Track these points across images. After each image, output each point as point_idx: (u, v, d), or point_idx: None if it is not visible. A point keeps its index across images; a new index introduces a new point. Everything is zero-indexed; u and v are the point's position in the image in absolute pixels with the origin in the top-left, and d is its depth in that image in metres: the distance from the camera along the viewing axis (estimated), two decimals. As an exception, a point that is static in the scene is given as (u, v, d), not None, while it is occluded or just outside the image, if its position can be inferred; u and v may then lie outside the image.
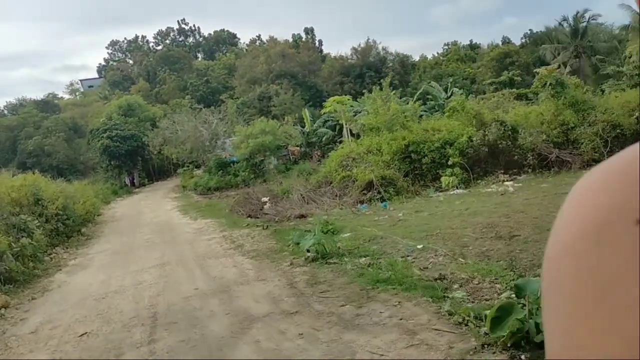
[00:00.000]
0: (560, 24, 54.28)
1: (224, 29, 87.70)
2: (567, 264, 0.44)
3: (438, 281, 6.82)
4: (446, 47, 75.16)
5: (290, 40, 61.76)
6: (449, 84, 48.15)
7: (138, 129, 44.55)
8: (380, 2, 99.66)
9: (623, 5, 48.48)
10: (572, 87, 19.32)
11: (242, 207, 19.00)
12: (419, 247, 9.24)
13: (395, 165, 18.00)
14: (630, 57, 44.18)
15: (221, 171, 33.81)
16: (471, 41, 75.59)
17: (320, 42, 64.07)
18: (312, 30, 63.30)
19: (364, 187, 17.15)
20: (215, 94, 58.77)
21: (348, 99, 31.39)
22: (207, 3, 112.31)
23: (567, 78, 20.08)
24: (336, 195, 18.29)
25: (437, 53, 74.47)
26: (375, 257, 8.89)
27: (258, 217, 16.99)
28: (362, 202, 16.72)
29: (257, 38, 78.24)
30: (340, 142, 41.16)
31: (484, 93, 44.49)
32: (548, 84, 18.99)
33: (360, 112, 33.67)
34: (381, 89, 23.54)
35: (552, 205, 11.40)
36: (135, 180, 47.02)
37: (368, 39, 60.80)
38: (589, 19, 53.01)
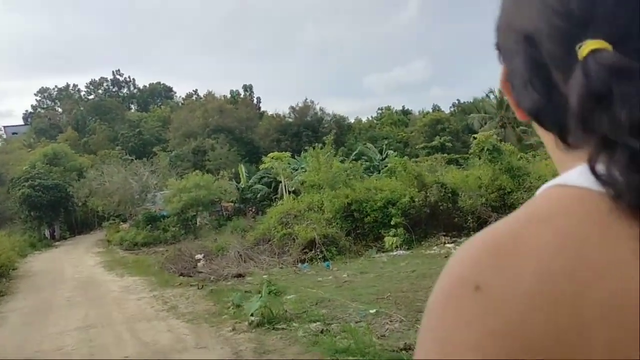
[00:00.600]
0: (487, 95, 56.95)
1: (159, 82, 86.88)
2: (425, 318, 0.53)
3: (404, 352, 6.26)
4: (380, 111, 77.23)
5: (228, 95, 61.63)
6: (384, 146, 49.06)
7: (63, 178, 42.38)
8: (318, 65, 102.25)
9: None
10: (507, 153, 19.79)
11: (173, 264, 17.90)
12: (371, 311, 8.68)
13: (337, 223, 17.59)
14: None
15: (150, 225, 32.33)
16: (403, 107, 78.10)
17: (259, 99, 64.45)
18: (250, 87, 63.64)
19: (305, 245, 16.56)
20: (147, 146, 57.25)
21: (287, 156, 31.10)
22: (143, 55, 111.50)
23: (502, 145, 20.57)
24: (275, 254, 17.58)
25: (371, 117, 76.32)
26: (326, 322, 8.23)
27: (191, 276, 15.98)
28: (303, 261, 16.09)
29: (193, 92, 77.77)
30: (276, 199, 40.68)
31: (417, 156, 45.56)
32: (485, 149, 19.34)
33: (297, 170, 33.43)
34: (322, 147, 23.31)
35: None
36: (56, 233, 44.28)
37: (306, 98, 61.46)
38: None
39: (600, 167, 0.50)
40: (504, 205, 18.18)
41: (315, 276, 13.71)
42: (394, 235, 16.70)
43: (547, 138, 0.64)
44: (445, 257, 14.48)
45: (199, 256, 18.21)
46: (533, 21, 0.60)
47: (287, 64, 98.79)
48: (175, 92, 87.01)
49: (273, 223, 19.33)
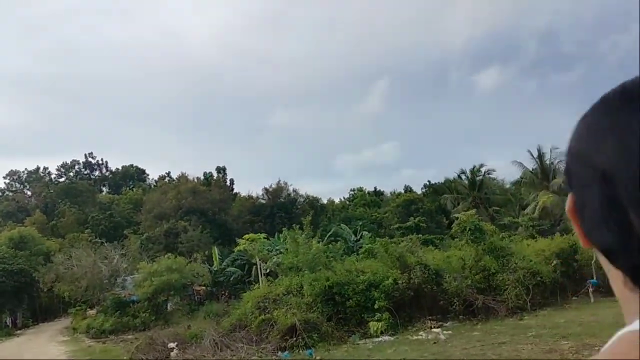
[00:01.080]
0: (459, 176, 57.95)
1: (132, 165, 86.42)
2: None
3: None
4: (352, 192, 77.59)
5: (202, 177, 61.39)
6: (359, 227, 48.86)
7: (29, 263, 40.81)
8: (288, 148, 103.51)
9: (515, 162, 52.76)
10: (489, 233, 19.62)
11: (144, 354, 16.86)
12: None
13: (317, 308, 16.88)
14: (524, 210, 47.30)
15: (119, 311, 30.89)
16: (375, 188, 78.77)
17: (232, 180, 64.21)
18: (224, 169, 63.57)
19: (286, 331, 15.77)
20: (118, 228, 55.99)
21: (262, 237, 30.51)
22: (116, 139, 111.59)
23: (484, 224, 20.46)
24: (253, 341, 16.70)
25: (344, 198, 76.61)
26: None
27: (165, 367, 15.02)
28: (283, 349, 15.26)
29: (166, 175, 77.32)
30: (250, 282, 39.66)
31: (392, 237, 45.32)
32: (467, 229, 19.15)
33: (272, 251, 32.73)
34: (299, 228, 22.89)
35: (496, 355, 10.68)
36: (18, 321, 42.10)
37: (279, 180, 61.54)
38: (484, 173, 56.88)
39: None
40: (489, 287, 17.78)
41: (298, 365, 12.93)
42: (379, 320, 16.05)
43: (613, 273, 0.63)
44: (434, 343, 13.88)
45: (171, 345, 17.20)
46: (612, 159, 0.59)
47: (258, 147, 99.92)
48: (148, 175, 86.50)
49: (250, 308, 18.52)
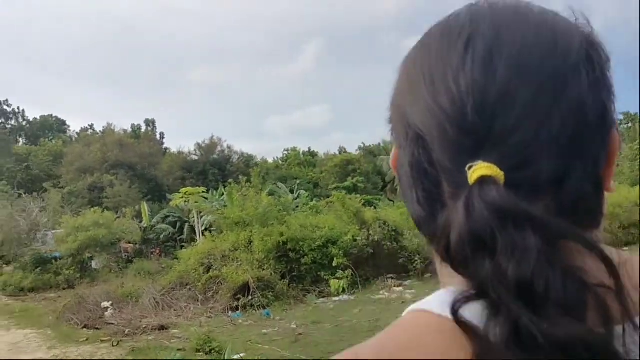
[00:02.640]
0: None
1: (51, 115, 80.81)
2: None
3: None
4: (286, 152, 76.20)
5: (129, 130, 57.88)
6: (296, 186, 47.78)
7: None
8: (215, 105, 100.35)
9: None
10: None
11: (74, 313, 14.96)
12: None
13: (270, 265, 15.54)
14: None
15: (39, 268, 28.28)
16: (309, 148, 77.64)
17: (162, 134, 61.01)
18: (153, 121, 60.25)
19: (236, 290, 14.37)
20: (36, 182, 52.07)
21: (201, 191, 28.66)
22: (33, 88, 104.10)
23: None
24: (198, 300, 15.22)
25: (277, 157, 75.08)
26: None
27: (99, 328, 13.28)
28: (235, 309, 13.88)
29: (89, 127, 72.69)
30: (182, 240, 37.83)
31: (328, 197, 44.63)
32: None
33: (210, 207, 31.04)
34: (249, 181, 21.32)
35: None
36: None
37: (212, 136, 59.07)
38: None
39: (469, 313, 0.47)
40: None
41: (256, 327, 11.60)
42: (340, 278, 14.92)
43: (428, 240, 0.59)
44: (402, 302, 12.88)
45: (106, 304, 15.39)
46: (424, 119, 0.53)
47: (185, 103, 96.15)
48: (69, 126, 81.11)
49: (192, 265, 16.96)
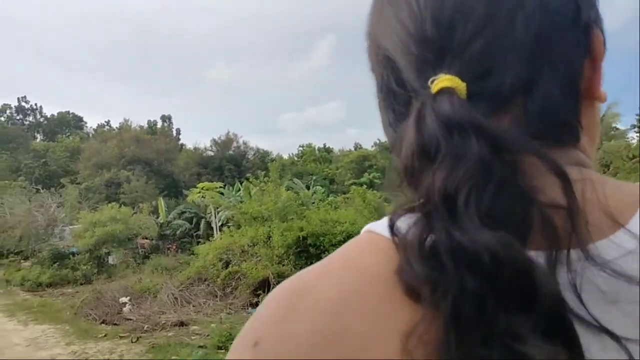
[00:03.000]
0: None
1: (69, 111, 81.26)
2: None
3: None
4: (301, 148, 75.97)
5: (145, 126, 57.94)
6: (312, 182, 47.49)
7: (-44, 211, 37.25)
8: (230, 102, 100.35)
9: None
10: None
11: (92, 309, 14.79)
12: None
13: (290, 260, 15.22)
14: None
15: (57, 263, 28.28)
16: (324, 144, 77.39)
17: (178, 130, 61.09)
18: (169, 117, 60.30)
19: (256, 286, 14.08)
20: (54, 177, 52.29)
21: (219, 186, 28.43)
22: (51, 85, 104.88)
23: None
24: (217, 296, 14.96)
25: (292, 154, 74.84)
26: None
27: (117, 324, 13.05)
28: (254, 305, 13.58)
29: (105, 123, 73.03)
30: (198, 236, 37.69)
31: (344, 193, 44.31)
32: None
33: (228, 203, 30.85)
34: (267, 176, 21.02)
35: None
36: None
37: (228, 131, 58.94)
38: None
39: (403, 224, 0.47)
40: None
41: (278, 323, 11.28)
42: (363, 274, 14.55)
43: None
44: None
45: (124, 299, 15.19)
46: (391, 41, 0.54)
47: (201, 100, 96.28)
48: (85, 123, 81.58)
49: (210, 260, 16.72)
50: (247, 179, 36.94)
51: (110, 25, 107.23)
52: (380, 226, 0.53)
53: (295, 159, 70.64)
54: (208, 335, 10.18)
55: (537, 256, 0.42)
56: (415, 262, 0.43)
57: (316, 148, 74.26)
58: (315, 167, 61.71)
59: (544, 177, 0.43)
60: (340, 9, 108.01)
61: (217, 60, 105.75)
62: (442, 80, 0.47)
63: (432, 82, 0.47)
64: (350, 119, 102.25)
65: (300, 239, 15.51)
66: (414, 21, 0.50)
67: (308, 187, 45.01)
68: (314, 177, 51.83)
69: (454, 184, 0.42)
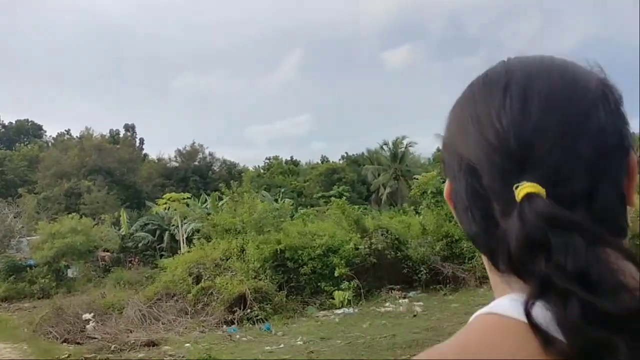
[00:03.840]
0: (381, 147, 57.04)
1: (27, 119, 78.56)
2: None
3: None
4: (267, 160, 75.34)
5: (108, 135, 56.20)
6: (280, 194, 46.85)
7: None
8: (197, 113, 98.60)
9: (438, 135, 52.42)
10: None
11: (52, 326, 13.75)
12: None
13: (267, 275, 14.49)
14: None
15: (13, 276, 26.85)
16: (292, 157, 76.90)
17: (142, 140, 59.41)
18: (132, 127, 58.65)
19: (232, 302, 13.30)
20: (11, 187, 50.14)
21: (186, 197, 27.45)
22: (8, 91, 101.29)
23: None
24: (187, 313, 14.11)
25: (258, 166, 74.00)
26: None
27: (81, 343, 12.14)
28: (229, 323, 12.82)
29: (65, 132, 70.68)
30: (161, 248, 36.48)
31: (312, 206, 43.72)
32: (429, 192, 17.39)
33: (187, 217, 29.81)
34: (241, 185, 20.27)
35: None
36: None
37: (194, 142, 57.68)
38: (406, 145, 56.44)
39: (538, 311, 0.54)
40: (452, 255, 16.16)
41: (257, 343, 10.53)
42: (345, 289, 13.88)
43: (484, 258, 0.68)
44: (414, 316, 11.95)
45: (87, 316, 14.19)
46: (474, 152, 0.64)
47: (166, 110, 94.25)
48: (45, 131, 78.91)
49: (180, 274, 15.85)
50: (219, 190, 36.17)
51: (72, 30, 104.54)
52: (500, 310, 0.60)
53: (262, 171, 69.84)
54: (183, 357, 9.39)
55: None
56: (576, 329, 0.51)
57: (283, 161, 73.67)
58: (283, 179, 60.98)
59: (621, 264, 0.55)
60: (308, 22, 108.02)
61: (184, 70, 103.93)
62: (527, 187, 0.58)
63: (517, 187, 0.58)
64: (317, 132, 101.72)
65: (278, 252, 14.82)
66: (497, 138, 0.62)
67: (276, 200, 44.33)
68: (282, 190, 51.12)
69: (583, 266, 0.52)
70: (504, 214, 0.60)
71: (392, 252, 15.39)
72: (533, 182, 0.58)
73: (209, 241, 18.18)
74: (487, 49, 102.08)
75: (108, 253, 34.93)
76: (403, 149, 56.57)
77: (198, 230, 28.94)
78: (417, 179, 20.29)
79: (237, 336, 11.37)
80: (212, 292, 14.15)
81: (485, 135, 0.63)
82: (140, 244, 36.58)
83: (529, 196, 0.57)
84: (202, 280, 14.87)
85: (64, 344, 12.08)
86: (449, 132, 0.71)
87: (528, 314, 0.54)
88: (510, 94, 0.65)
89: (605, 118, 0.64)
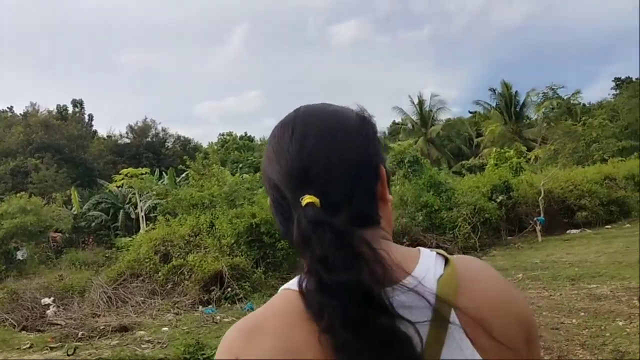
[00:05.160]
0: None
1: (-35, 95, 74.13)
2: None
3: None
4: (221, 136, 73.59)
5: (55, 111, 53.39)
6: (238, 170, 45.64)
7: None
8: (148, 88, 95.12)
9: (396, 108, 52.12)
10: (428, 166, 17.42)
11: (8, 312, 12.51)
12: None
13: (242, 251, 13.60)
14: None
15: (-43, 261, 25.09)
16: (246, 133, 75.33)
17: (91, 116, 56.70)
18: (81, 102, 55.84)
19: (207, 281, 12.38)
20: (-50, 167, 47.18)
21: (145, 172, 26.08)
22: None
23: (423, 158, 18.12)
24: (156, 294, 13.12)
25: (212, 142, 72.16)
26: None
27: (42, 330, 11.01)
28: (205, 303, 11.91)
29: (8, 109, 66.98)
30: (116, 227, 34.98)
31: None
32: (406, 160, 16.77)
33: (143, 194, 28.45)
34: (207, 158, 19.15)
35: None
36: None
37: (145, 117, 55.56)
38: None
39: (310, 284, 0.81)
40: (432, 226, 15.65)
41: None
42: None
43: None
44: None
45: (46, 300, 13.01)
46: (275, 175, 0.92)
47: (112, 86, 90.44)
48: (-16, 108, 74.70)
49: (145, 253, 14.78)
50: (174, 166, 34.77)
51: (13, 1, 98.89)
52: (289, 284, 0.90)
53: (215, 147, 68.15)
54: (163, 343, 8.47)
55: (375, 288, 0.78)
56: (312, 296, 0.80)
57: (238, 137, 72.12)
58: (239, 155, 59.66)
59: (386, 243, 0.88)
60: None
61: (132, 44, 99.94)
62: (307, 198, 0.84)
63: (302, 199, 0.84)
64: (268, 108, 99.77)
65: (253, 226, 13.90)
66: (287, 165, 0.90)
67: (234, 175, 43.13)
68: (239, 165, 49.89)
69: (324, 253, 0.78)
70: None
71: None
72: (311, 195, 0.84)
73: (175, 217, 17.12)
74: (434, 25, 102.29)
75: (59, 234, 33.21)
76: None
77: (155, 207, 27.70)
78: (392, 148, 19.61)
79: (218, 317, 10.48)
80: (183, 271, 13.19)
81: (281, 163, 0.90)
82: (93, 224, 35.01)
83: (307, 205, 0.83)
84: (173, 258, 13.86)
85: (23, 332, 10.95)
86: (263, 161, 0.97)
87: (300, 285, 0.82)
88: (295, 132, 0.92)
89: (360, 145, 0.93)
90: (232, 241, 13.82)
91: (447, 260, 0.89)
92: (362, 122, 0.97)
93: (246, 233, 13.93)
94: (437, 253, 0.91)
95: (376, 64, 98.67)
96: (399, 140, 54.95)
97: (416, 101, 51.78)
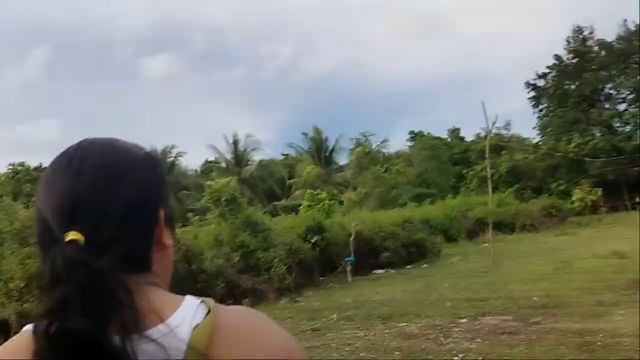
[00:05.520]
0: (146, 158, 54.42)
1: None
2: None
3: None
4: (11, 167, 66.78)
5: None
6: (31, 204, 41.33)
7: None
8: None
9: (210, 146, 51.96)
10: (245, 205, 17.27)
11: None
12: None
13: (35, 295, 11.95)
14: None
15: None
16: (41, 164, 68.92)
17: None
18: None
19: None
20: None
21: None
22: None
23: (240, 197, 17.83)
24: None
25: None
26: None
27: None
28: None
29: None
30: None
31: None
32: (223, 199, 16.44)
33: None
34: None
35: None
36: None
37: None
38: (176, 155, 54.80)
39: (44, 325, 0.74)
40: (247, 267, 15.39)
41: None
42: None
43: None
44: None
45: None
46: (45, 208, 0.85)
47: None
48: None
49: None
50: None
51: None
52: (30, 325, 0.81)
53: (3, 178, 61.37)
54: None
55: (116, 337, 0.72)
56: (41, 342, 0.73)
57: (31, 167, 65.79)
58: (32, 187, 54.20)
59: (151, 290, 0.83)
60: (55, 16, 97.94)
61: None
62: (71, 235, 0.77)
63: (66, 235, 0.77)
64: (68, 139, 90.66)
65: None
66: (59, 199, 0.83)
67: (27, 209, 38.96)
68: (33, 199, 45.27)
69: (65, 295, 0.72)
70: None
71: (185, 265, 14.03)
72: (77, 232, 0.77)
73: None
74: (248, 67, 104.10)
75: None
76: (172, 159, 54.65)
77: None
78: (209, 185, 19.13)
79: None
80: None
81: (53, 197, 0.84)
82: None
83: (69, 242, 0.77)
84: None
85: None
86: (37, 192, 0.91)
87: (35, 325, 0.75)
88: (72, 164, 0.86)
89: (141, 185, 0.89)
90: (22, 285, 12.19)
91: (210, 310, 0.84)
92: (148, 163, 0.94)
93: (40, 275, 12.36)
94: (202, 301, 0.85)
95: (190, 102, 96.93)
96: (210, 179, 54.51)
97: (231, 140, 52.03)
